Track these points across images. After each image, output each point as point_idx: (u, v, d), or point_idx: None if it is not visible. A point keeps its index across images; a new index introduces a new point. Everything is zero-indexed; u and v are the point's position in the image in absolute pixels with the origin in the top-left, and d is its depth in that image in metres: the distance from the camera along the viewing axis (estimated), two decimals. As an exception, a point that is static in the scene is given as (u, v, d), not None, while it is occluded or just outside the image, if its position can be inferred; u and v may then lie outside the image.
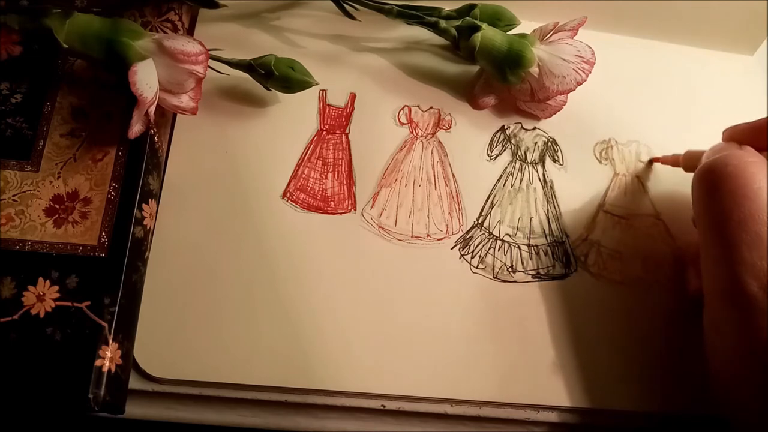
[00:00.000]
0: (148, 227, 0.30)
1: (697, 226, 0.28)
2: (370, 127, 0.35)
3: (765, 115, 0.28)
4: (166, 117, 0.33)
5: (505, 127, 0.36)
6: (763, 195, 0.25)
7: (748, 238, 0.25)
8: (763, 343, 0.24)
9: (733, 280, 0.25)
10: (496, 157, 0.35)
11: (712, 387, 0.28)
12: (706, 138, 0.31)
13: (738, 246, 0.25)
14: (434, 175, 0.34)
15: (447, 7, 0.35)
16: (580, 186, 0.35)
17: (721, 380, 0.27)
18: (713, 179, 0.27)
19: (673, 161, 0.34)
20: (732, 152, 0.27)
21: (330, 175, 0.33)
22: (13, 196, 0.28)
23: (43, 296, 0.26)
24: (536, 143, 0.36)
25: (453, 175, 0.34)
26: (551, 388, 0.30)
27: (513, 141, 0.35)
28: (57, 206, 0.28)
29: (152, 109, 0.29)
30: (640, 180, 0.35)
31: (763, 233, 0.25)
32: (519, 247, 0.33)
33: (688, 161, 0.33)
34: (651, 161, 0.36)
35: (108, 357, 0.26)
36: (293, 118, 0.34)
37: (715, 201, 0.26)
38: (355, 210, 0.33)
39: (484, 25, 0.34)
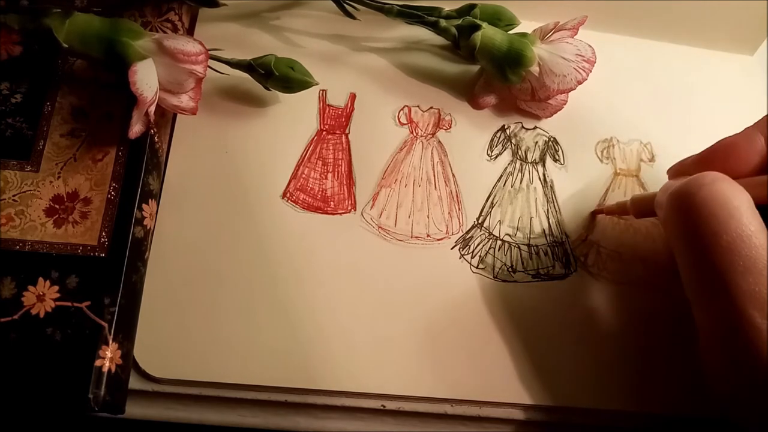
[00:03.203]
0: (148, 227, 0.30)
1: (678, 261, 0.26)
2: (370, 128, 0.35)
3: (765, 115, 0.28)
4: (166, 117, 0.33)
5: (506, 126, 0.36)
6: (744, 213, 0.23)
7: (740, 263, 0.23)
8: None
9: (733, 314, 0.23)
10: (496, 157, 0.35)
11: (711, 397, 0.27)
12: (706, 137, 0.30)
13: (731, 274, 0.23)
14: (434, 175, 0.34)
15: (447, 7, 0.35)
16: (580, 186, 0.35)
17: (721, 397, 0.26)
18: (689, 205, 0.24)
19: (619, 209, 0.32)
20: (699, 174, 0.25)
21: (330, 175, 0.33)
22: (13, 196, 0.28)
23: (43, 296, 0.26)
24: (537, 143, 0.36)
25: (453, 175, 0.34)
26: (551, 388, 0.30)
27: (513, 140, 0.35)
28: (57, 206, 0.28)
29: (152, 108, 0.29)
30: (641, 180, 0.35)
31: (754, 255, 0.22)
32: (519, 247, 0.33)
33: (637, 206, 0.30)
34: (594, 214, 0.34)
35: (108, 357, 0.26)
36: (293, 118, 0.34)
37: (697, 228, 0.24)
38: (354, 210, 0.33)
39: (485, 24, 0.34)
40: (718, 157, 0.27)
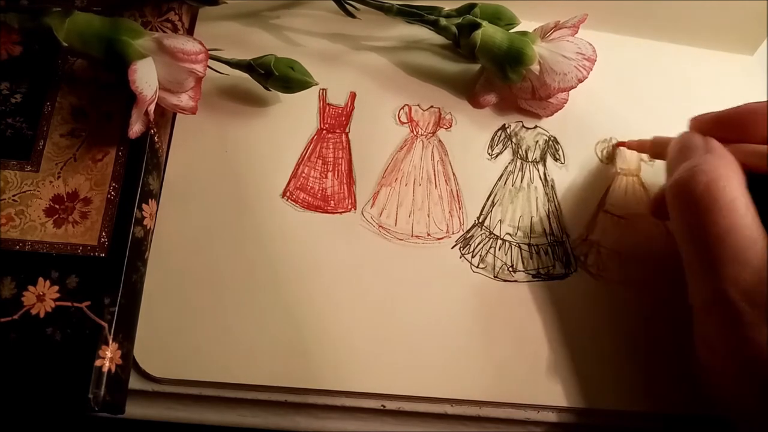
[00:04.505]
0: (148, 227, 0.30)
1: (678, 244, 0.28)
2: (370, 127, 0.35)
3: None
4: (166, 117, 0.33)
5: (506, 125, 0.36)
6: (737, 207, 0.25)
7: (728, 252, 0.24)
8: (751, 355, 0.24)
9: (717, 296, 0.25)
10: (496, 156, 0.35)
11: (709, 391, 0.28)
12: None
13: (718, 260, 0.25)
14: (434, 174, 0.34)
15: (447, 6, 0.35)
16: (580, 185, 0.35)
17: (715, 387, 0.27)
18: (686, 196, 0.26)
19: (639, 146, 0.34)
20: (701, 164, 0.26)
21: (330, 174, 0.33)
22: (13, 196, 0.28)
23: (43, 296, 0.26)
24: (537, 142, 0.36)
25: (453, 174, 0.34)
26: (551, 388, 0.30)
27: (514, 140, 0.35)
28: (57, 206, 0.28)
29: (152, 107, 0.29)
30: (641, 179, 0.35)
31: (741, 246, 0.24)
32: (519, 247, 0.33)
33: (655, 148, 0.33)
34: (617, 145, 0.36)
35: (108, 357, 0.26)
36: (293, 118, 0.34)
37: (691, 218, 0.26)
38: (355, 209, 0.33)
39: (485, 23, 0.33)
40: (736, 121, 0.29)
